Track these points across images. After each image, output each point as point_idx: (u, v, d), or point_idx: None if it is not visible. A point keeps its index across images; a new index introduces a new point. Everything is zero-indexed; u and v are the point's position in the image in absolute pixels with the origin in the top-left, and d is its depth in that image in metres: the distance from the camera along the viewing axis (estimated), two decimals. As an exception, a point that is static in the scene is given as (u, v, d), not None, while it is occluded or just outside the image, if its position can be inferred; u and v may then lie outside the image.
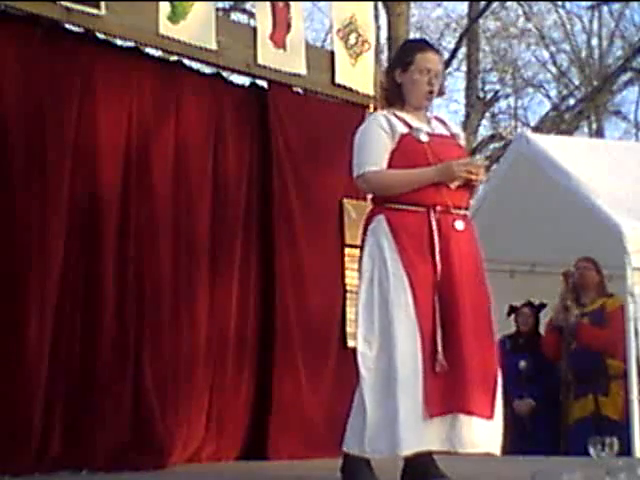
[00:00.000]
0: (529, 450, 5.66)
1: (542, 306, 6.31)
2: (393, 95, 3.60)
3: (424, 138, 3.48)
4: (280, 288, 5.35)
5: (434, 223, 3.37)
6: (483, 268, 3.53)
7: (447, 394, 3.26)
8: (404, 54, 3.62)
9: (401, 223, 3.40)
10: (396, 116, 3.52)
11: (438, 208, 3.40)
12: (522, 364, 6.11)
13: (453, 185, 3.42)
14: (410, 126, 3.50)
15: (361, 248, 3.52)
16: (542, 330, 6.33)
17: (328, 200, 5.65)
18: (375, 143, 3.48)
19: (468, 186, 3.49)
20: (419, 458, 3.32)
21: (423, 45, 3.67)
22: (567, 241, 6.21)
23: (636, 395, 5.76)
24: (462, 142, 3.70)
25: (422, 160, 3.43)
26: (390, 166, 3.46)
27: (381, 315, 3.35)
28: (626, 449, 4.98)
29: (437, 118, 3.70)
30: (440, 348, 3.27)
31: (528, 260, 7.07)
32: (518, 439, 6.00)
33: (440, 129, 3.61)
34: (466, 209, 3.52)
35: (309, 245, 5.51)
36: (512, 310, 6.45)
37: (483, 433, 3.34)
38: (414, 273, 3.33)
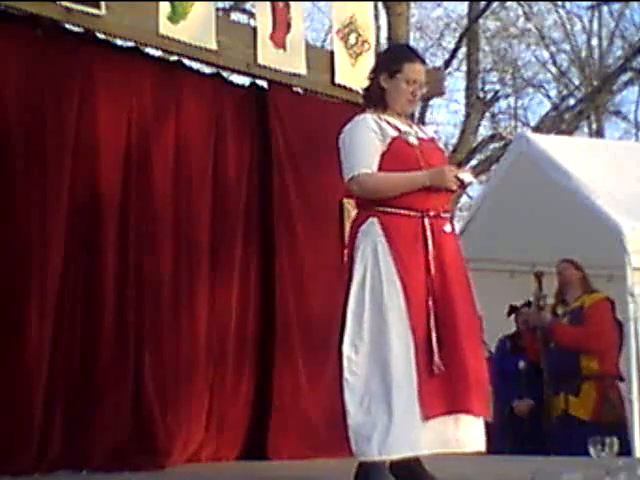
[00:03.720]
0: (529, 450, 5.65)
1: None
2: (376, 98, 3.58)
3: (414, 141, 3.50)
4: (280, 288, 5.35)
5: (428, 228, 3.39)
6: (467, 271, 3.56)
7: (446, 395, 3.27)
8: (392, 61, 3.59)
9: (396, 227, 3.39)
10: (383, 119, 3.51)
11: (431, 213, 3.42)
12: (521, 364, 6.10)
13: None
14: (399, 129, 3.50)
15: (350, 250, 3.48)
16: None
17: (328, 200, 5.65)
18: (366, 145, 3.45)
19: (452, 190, 3.50)
20: (404, 459, 3.31)
21: (412, 55, 3.65)
22: (567, 241, 6.21)
23: (636, 395, 5.76)
24: (442, 146, 3.74)
25: (413, 163, 3.44)
26: (380, 169, 3.44)
27: (372, 319, 3.33)
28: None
29: (415, 123, 3.73)
30: (436, 349, 3.27)
31: (528, 260, 7.07)
32: (518, 439, 6.00)
33: (422, 133, 3.63)
34: (450, 212, 3.57)
35: (309, 245, 5.51)
36: (512, 310, 6.45)
37: (479, 432, 3.39)
38: (408, 278, 3.32)
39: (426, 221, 3.39)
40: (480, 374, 3.39)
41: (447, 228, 3.46)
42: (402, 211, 3.41)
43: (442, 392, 3.27)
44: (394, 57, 3.65)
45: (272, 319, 5.34)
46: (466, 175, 3.50)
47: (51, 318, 4.36)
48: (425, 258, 3.36)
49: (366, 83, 3.66)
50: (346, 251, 3.59)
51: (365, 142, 3.45)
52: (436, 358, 3.27)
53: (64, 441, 4.34)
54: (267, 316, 5.37)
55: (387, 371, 3.26)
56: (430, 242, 3.37)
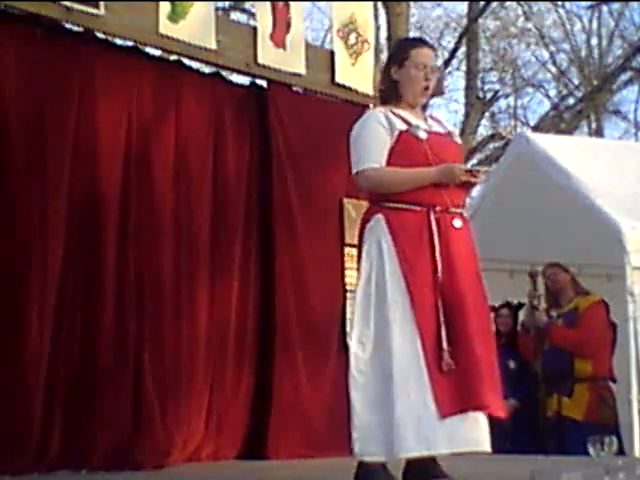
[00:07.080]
0: (512, 450, 5.61)
1: (520, 306, 6.30)
2: (389, 92, 3.55)
3: (423, 135, 3.43)
4: (280, 288, 5.35)
5: (434, 223, 3.34)
6: (480, 266, 3.53)
7: (460, 393, 3.24)
8: (399, 51, 3.59)
9: (400, 223, 3.36)
10: (393, 113, 3.46)
11: (437, 208, 3.37)
12: (512, 364, 6.07)
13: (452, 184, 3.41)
14: (408, 123, 3.44)
15: (359, 247, 3.48)
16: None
17: (328, 200, 5.65)
18: (374, 140, 3.42)
19: (465, 186, 3.48)
20: (421, 458, 3.30)
21: (418, 42, 3.67)
22: (567, 241, 6.21)
23: (636, 395, 5.76)
24: (458, 140, 3.67)
25: (421, 158, 3.39)
26: (388, 163, 3.40)
27: (377, 316, 3.32)
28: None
29: (432, 117, 3.68)
30: (445, 347, 3.25)
31: (528, 260, 7.07)
32: (500, 439, 5.96)
33: (436, 127, 3.57)
34: (463, 207, 3.51)
35: (309, 245, 5.51)
36: (490, 310, 6.41)
37: (487, 431, 3.37)
38: (412, 274, 3.30)
39: (432, 216, 3.35)
40: (494, 372, 3.36)
41: (457, 223, 3.41)
42: (407, 206, 3.37)
43: (456, 390, 3.24)
44: (400, 47, 3.66)
45: (272, 319, 5.34)
46: (480, 168, 3.47)
47: (51, 318, 4.36)
48: (431, 254, 3.32)
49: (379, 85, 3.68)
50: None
51: (373, 136, 3.42)
52: (446, 356, 3.24)
53: (64, 441, 4.34)
54: (267, 316, 5.37)
55: (389, 369, 3.24)
56: (436, 238, 3.33)
